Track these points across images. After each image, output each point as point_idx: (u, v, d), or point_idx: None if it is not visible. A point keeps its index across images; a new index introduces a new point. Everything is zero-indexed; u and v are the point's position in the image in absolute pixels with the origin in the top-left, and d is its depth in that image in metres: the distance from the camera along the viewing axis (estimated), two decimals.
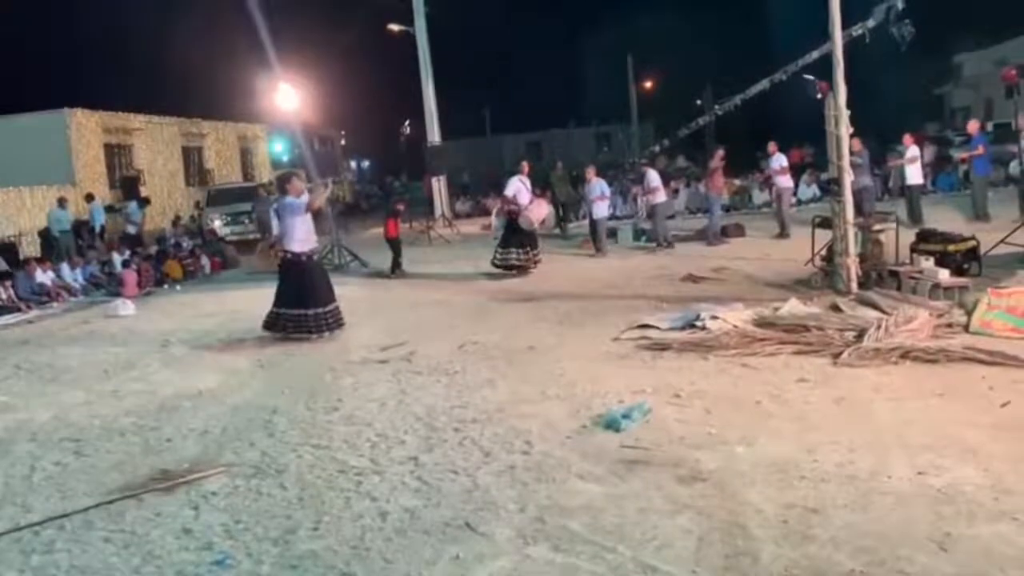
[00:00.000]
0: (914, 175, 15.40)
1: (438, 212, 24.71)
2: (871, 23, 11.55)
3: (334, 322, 8.86)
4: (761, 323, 7.03)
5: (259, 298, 12.47)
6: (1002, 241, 10.35)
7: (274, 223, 8.87)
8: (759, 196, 21.88)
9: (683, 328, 7.45)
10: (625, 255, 14.59)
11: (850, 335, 6.46)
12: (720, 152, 16.05)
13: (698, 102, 50.61)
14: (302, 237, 8.72)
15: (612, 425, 4.98)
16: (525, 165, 13.54)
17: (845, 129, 8.15)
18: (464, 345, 7.84)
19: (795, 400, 5.21)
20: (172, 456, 5.29)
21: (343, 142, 20.31)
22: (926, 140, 28.86)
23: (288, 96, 15.30)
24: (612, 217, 20.17)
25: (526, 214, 12.72)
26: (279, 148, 40.49)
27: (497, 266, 12.87)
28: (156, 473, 4.98)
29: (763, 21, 53.43)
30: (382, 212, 22.84)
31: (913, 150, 15.53)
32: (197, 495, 4.55)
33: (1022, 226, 10.51)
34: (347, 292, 12.42)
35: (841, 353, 6.07)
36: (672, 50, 50.20)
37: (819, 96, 11.83)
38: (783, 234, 14.84)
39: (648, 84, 49.87)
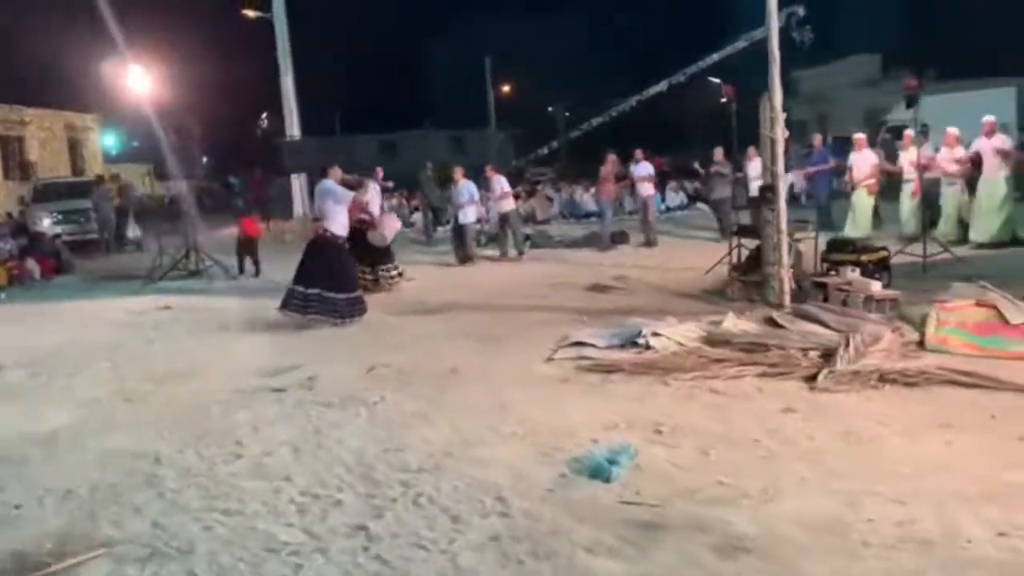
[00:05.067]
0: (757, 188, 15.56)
1: (297, 212, 23.19)
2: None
3: (359, 309, 8.90)
4: (714, 341, 6.42)
5: (110, 308, 10.86)
6: (900, 252, 10.39)
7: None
8: (629, 203, 21.83)
9: (623, 346, 6.75)
10: (502, 263, 13.88)
11: (815, 355, 5.95)
12: (612, 158, 15.62)
13: (549, 109, 51.04)
14: (343, 223, 9.01)
15: (599, 473, 4.15)
16: (379, 171, 12.20)
17: (780, 133, 7.73)
18: (374, 368, 6.79)
19: (796, 436, 4.57)
20: (26, 531, 3.99)
21: (197, 134, 18.26)
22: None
23: (138, 81, 13.54)
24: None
25: (379, 229, 11.19)
26: (110, 141, 37.26)
27: None
28: (5, 560, 3.71)
29: (629, 29, 54.84)
30: (225, 211, 21.27)
31: (757, 163, 15.64)
32: None
33: (920, 238, 10.60)
34: (213, 302, 11.07)
35: (815, 376, 5.54)
36: (530, 57, 50.44)
37: (724, 99, 11.71)
38: (649, 243, 14.65)
39: (506, 88, 49.58)
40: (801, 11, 12.04)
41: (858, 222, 12.58)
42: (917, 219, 12.02)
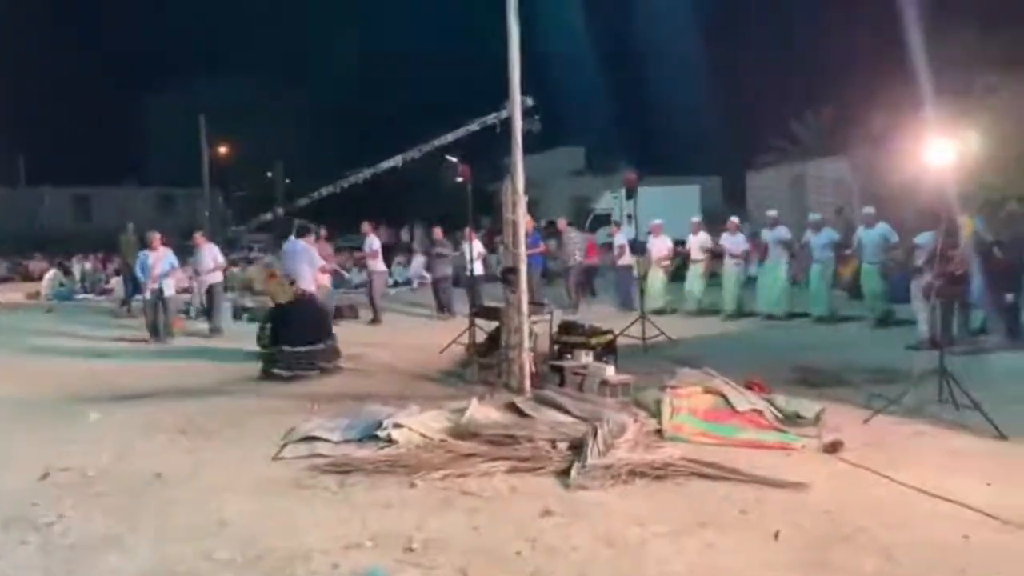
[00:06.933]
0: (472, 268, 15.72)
1: None
2: (504, 114, 11.80)
3: (336, 357, 9.40)
4: (460, 434, 5.95)
5: None
6: (621, 333, 10.77)
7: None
8: (356, 276, 21.27)
9: (361, 440, 6.08)
10: (213, 339, 12.66)
11: (563, 446, 5.69)
12: (322, 232, 14.98)
13: (268, 174, 49.40)
14: (311, 281, 9.74)
15: None
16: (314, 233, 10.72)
17: (522, 214, 7.65)
18: (49, 474, 5.52)
19: (559, 545, 4.17)
20: None
21: None
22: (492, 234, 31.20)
23: None
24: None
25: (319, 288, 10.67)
26: None
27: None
28: None
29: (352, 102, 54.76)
30: None
31: (474, 244, 15.73)
32: None
33: (639, 319, 11.10)
34: None
35: (566, 470, 5.26)
36: (249, 120, 48.57)
37: (460, 179, 11.66)
38: (375, 320, 14.23)
39: (223, 150, 47.08)
40: (530, 101, 12.55)
41: (652, 298, 13.98)
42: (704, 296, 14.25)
